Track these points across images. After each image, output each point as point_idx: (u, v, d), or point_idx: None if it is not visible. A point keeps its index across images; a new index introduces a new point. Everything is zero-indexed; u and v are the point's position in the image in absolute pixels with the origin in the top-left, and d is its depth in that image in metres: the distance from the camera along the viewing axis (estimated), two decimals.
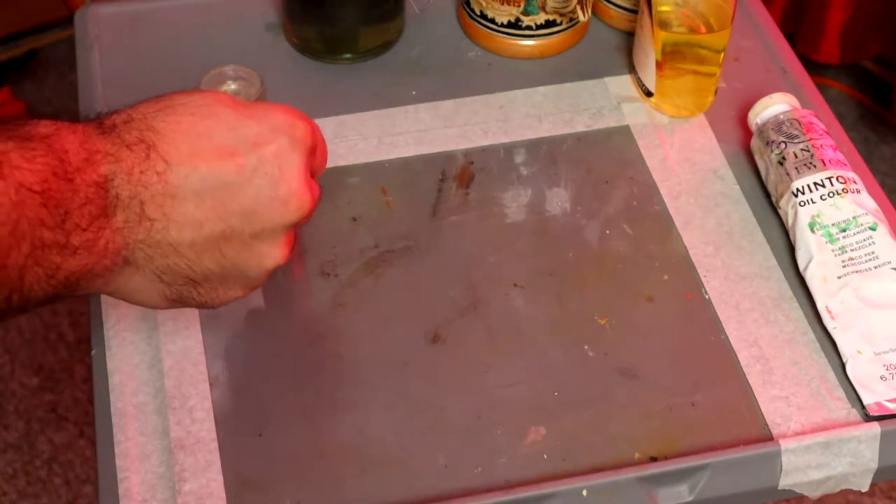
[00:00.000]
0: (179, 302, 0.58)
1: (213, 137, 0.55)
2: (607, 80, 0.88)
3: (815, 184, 0.74)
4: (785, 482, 0.66)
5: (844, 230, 0.72)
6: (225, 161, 0.55)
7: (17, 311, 0.51)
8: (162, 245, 0.54)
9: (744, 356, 0.71)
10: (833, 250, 0.72)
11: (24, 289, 0.50)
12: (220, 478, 0.65)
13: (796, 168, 0.75)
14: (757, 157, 0.80)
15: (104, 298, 0.73)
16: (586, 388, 0.70)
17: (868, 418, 0.67)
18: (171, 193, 0.53)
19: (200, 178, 0.54)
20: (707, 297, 0.74)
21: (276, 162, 0.56)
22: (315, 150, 0.60)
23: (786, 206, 0.75)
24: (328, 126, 0.84)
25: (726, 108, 0.86)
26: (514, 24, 0.88)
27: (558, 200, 0.80)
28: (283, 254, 0.59)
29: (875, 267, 0.71)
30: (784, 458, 0.65)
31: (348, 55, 0.89)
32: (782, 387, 0.69)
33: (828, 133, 0.78)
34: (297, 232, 0.62)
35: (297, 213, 0.57)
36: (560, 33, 0.89)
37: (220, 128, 0.55)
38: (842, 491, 0.67)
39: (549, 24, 0.88)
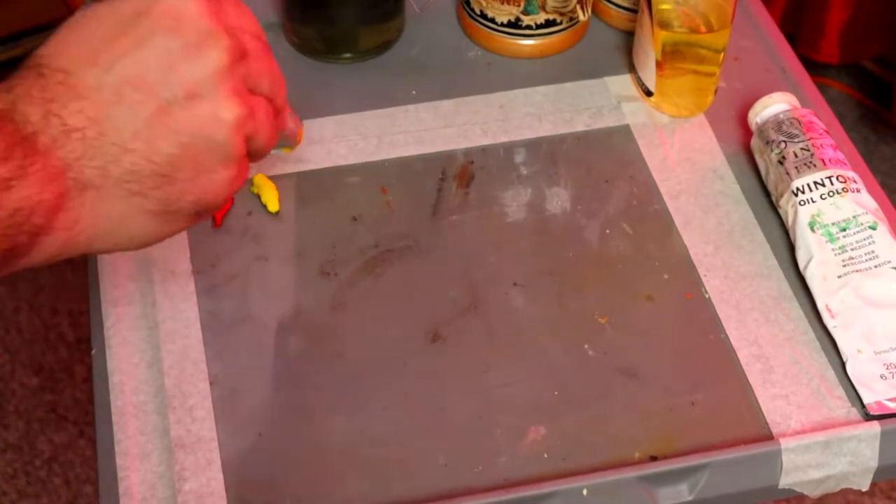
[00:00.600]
0: (171, 212, 0.53)
1: (97, 30, 0.52)
2: (607, 79, 0.88)
3: (815, 183, 0.74)
4: (785, 481, 0.66)
5: (844, 229, 0.72)
6: (118, 41, 0.51)
7: None
8: (105, 149, 0.50)
9: (744, 355, 0.71)
10: (833, 249, 0.72)
11: None
12: (220, 477, 0.65)
13: (796, 167, 0.75)
14: (757, 157, 0.80)
15: (104, 297, 0.73)
16: (586, 388, 0.70)
17: (868, 417, 0.67)
18: (83, 96, 0.50)
19: (104, 69, 0.51)
20: (707, 296, 0.74)
21: (169, 15, 0.52)
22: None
23: (786, 205, 0.75)
24: (328, 126, 0.84)
25: (726, 107, 0.86)
26: (514, 24, 0.88)
27: (558, 200, 0.80)
28: (235, 103, 0.53)
29: (875, 266, 0.71)
30: (784, 458, 0.65)
31: (348, 55, 0.89)
32: (782, 386, 0.69)
33: (828, 132, 0.78)
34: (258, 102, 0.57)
35: (217, 48, 0.53)
36: (560, 33, 0.89)
37: (99, 20, 0.52)
38: (842, 490, 0.67)
39: (549, 23, 0.88)
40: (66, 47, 0.51)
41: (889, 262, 0.71)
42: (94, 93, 0.50)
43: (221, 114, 0.52)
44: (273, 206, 0.78)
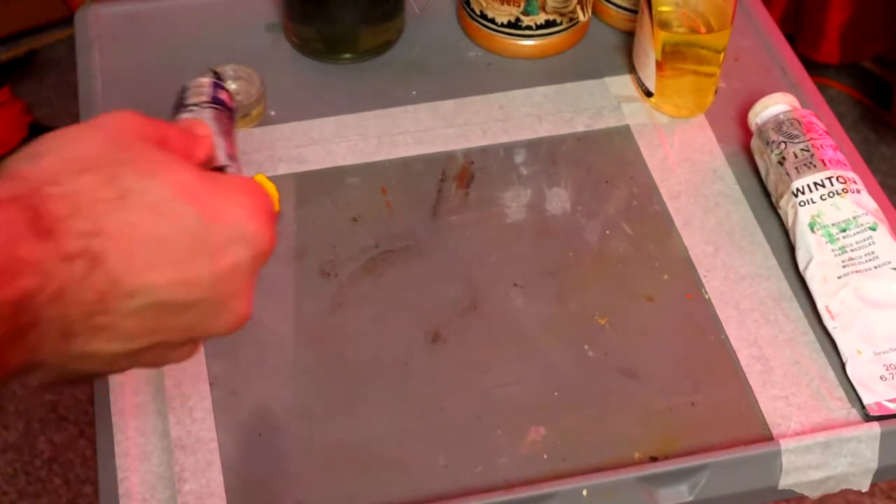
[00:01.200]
0: (97, 377, 0.53)
1: (172, 247, 0.47)
2: (607, 80, 0.88)
3: (815, 184, 0.74)
4: (785, 482, 0.66)
5: (844, 230, 0.72)
6: (179, 277, 0.47)
7: None
8: (78, 357, 0.46)
9: (744, 356, 0.71)
10: (833, 250, 0.72)
11: None
12: (220, 478, 0.65)
13: (796, 168, 0.75)
14: (757, 157, 0.80)
15: None
16: (586, 388, 0.70)
17: (868, 418, 0.67)
18: (107, 311, 0.45)
19: (148, 297, 0.46)
20: (707, 296, 0.74)
21: (230, 279, 0.49)
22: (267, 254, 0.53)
23: (786, 205, 0.75)
24: (328, 126, 0.84)
25: (726, 108, 0.86)
26: (514, 24, 0.88)
27: (558, 200, 0.80)
28: (196, 351, 0.53)
29: (875, 267, 0.71)
30: (784, 458, 0.65)
31: (348, 55, 0.89)
32: (782, 387, 0.69)
33: (828, 133, 0.78)
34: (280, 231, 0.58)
35: (233, 328, 0.51)
36: (560, 33, 0.89)
37: (180, 235, 0.47)
38: (842, 491, 0.67)
39: (549, 24, 0.88)
40: (135, 246, 0.46)
41: (889, 262, 0.71)
42: (120, 311, 0.46)
43: (181, 357, 0.52)
44: (273, 206, 0.78)
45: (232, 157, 0.59)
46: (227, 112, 0.61)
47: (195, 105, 0.60)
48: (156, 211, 0.46)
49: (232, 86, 0.84)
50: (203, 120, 0.58)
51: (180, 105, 0.61)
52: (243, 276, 0.50)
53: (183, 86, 0.62)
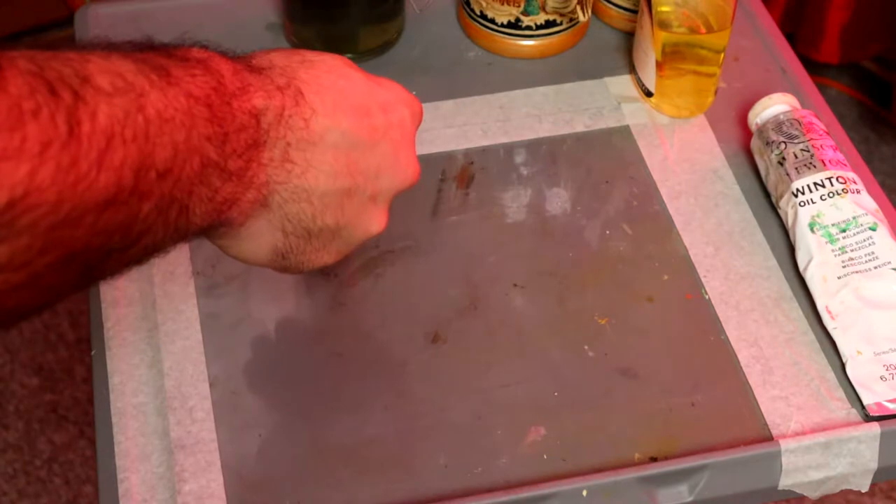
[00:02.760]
0: (283, 257, 0.59)
1: (351, 96, 0.57)
2: (607, 80, 0.88)
3: (815, 184, 0.74)
4: (785, 482, 0.66)
5: (844, 230, 0.72)
6: (361, 120, 0.57)
7: (173, 238, 0.50)
8: (298, 191, 0.56)
9: (744, 356, 0.71)
10: (833, 250, 0.72)
11: (190, 207, 0.50)
12: (220, 478, 0.65)
13: (796, 168, 0.75)
14: (757, 158, 0.80)
15: (104, 298, 0.73)
16: (586, 388, 0.70)
17: (868, 418, 0.67)
18: (313, 141, 0.55)
19: (341, 132, 0.56)
20: (707, 297, 0.74)
21: (399, 130, 0.59)
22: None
23: (786, 206, 0.75)
24: None
25: (726, 108, 0.86)
26: (514, 24, 0.88)
27: (558, 200, 0.80)
28: (385, 221, 0.62)
29: (875, 267, 0.71)
30: (784, 459, 0.65)
31: (348, 55, 0.88)
32: (782, 387, 0.69)
33: (828, 133, 0.78)
34: None
35: (409, 180, 0.61)
36: (560, 33, 0.89)
37: (356, 88, 0.58)
38: (842, 491, 0.67)
39: (549, 24, 0.88)
40: (323, 91, 0.56)
41: (889, 263, 0.71)
42: (322, 145, 0.56)
43: (374, 223, 0.61)
44: None
45: None
46: None
47: None
48: (334, 71, 0.57)
49: None
50: None
51: None
52: (408, 132, 0.60)
53: None
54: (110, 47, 0.48)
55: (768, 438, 0.67)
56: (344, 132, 0.57)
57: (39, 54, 0.42)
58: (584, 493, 0.64)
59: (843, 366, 0.70)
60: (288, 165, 0.55)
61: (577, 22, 0.89)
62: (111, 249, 0.46)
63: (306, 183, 0.56)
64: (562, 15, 0.88)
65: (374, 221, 0.61)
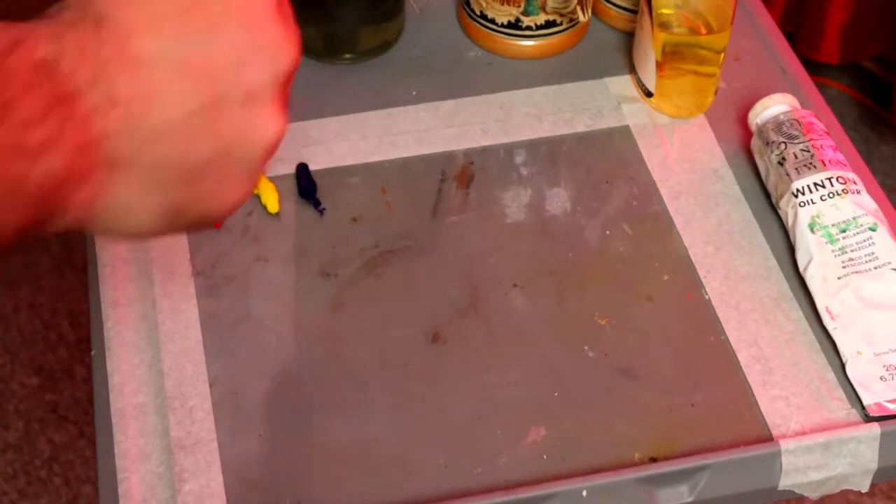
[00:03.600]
0: (177, 217, 0.48)
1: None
2: (607, 80, 0.88)
3: (815, 184, 0.74)
4: (785, 483, 0.66)
5: (844, 231, 0.72)
6: (189, 13, 0.45)
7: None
8: (147, 131, 0.45)
9: (744, 356, 0.71)
10: (833, 251, 0.72)
11: None
12: (220, 478, 0.65)
13: (796, 168, 0.75)
14: (757, 158, 0.80)
15: (104, 298, 0.73)
16: (586, 388, 0.70)
17: (868, 419, 0.67)
18: (140, 65, 0.44)
19: (169, 41, 0.45)
20: (707, 297, 0.74)
21: (243, 5, 0.47)
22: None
23: (786, 206, 0.75)
24: (328, 126, 0.84)
25: (726, 108, 0.86)
26: (514, 25, 0.88)
27: (558, 200, 0.80)
28: (282, 119, 0.49)
29: (875, 267, 0.71)
30: (784, 459, 0.65)
31: (348, 55, 0.89)
32: (782, 387, 0.69)
33: (828, 133, 0.78)
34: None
35: (284, 58, 0.48)
36: (560, 33, 0.89)
37: None
38: (842, 491, 0.67)
39: (549, 24, 0.88)
40: (128, 4, 0.44)
41: (889, 263, 0.71)
42: (152, 65, 0.44)
43: (268, 126, 0.49)
44: (273, 206, 0.78)
45: None
46: None
47: None
48: None
49: None
50: None
51: None
52: (257, 5, 0.47)
53: None
54: None
55: (768, 438, 0.67)
56: (173, 38, 0.45)
57: None
58: (584, 493, 0.64)
59: (843, 366, 0.70)
60: (120, 108, 0.44)
61: (577, 22, 0.89)
62: None
63: (153, 119, 0.44)
64: (562, 15, 0.88)
65: (267, 124, 0.48)
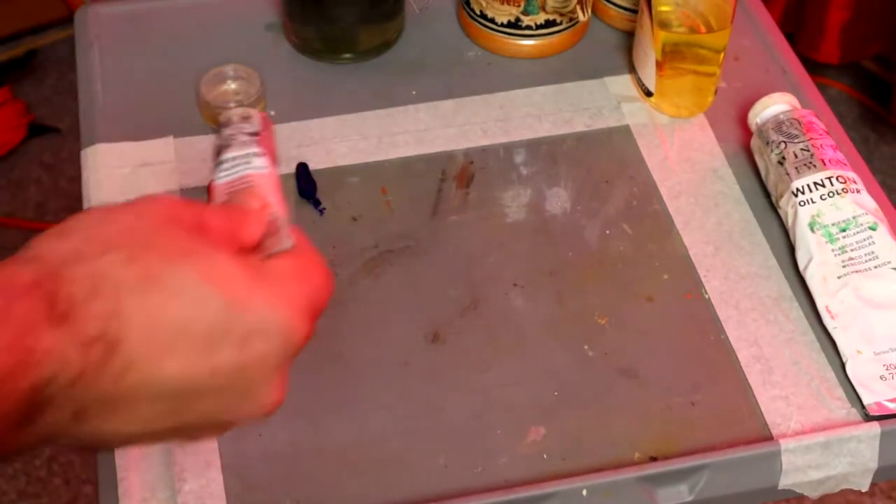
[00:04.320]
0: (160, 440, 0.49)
1: (193, 334, 0.44)
2: (607, 79, 0.88)
3: (815, 184, 0.74)
4: (785, 482, 0.66)
5: (844, 230, 0.72)
6: (200, 362, 0.45)
7: None
8: (88, 436, 0.44)
9: (744, 356, 0.71)
10: (833, 250, 0.72)
11: None
12: (220, 478, 0.65)
13: (796, 168, 0.75)
14: (757, 157, 0.80)
15: None
16: (586, 388, 0.70)
17: (868, 418, 0.67)
18: (123, 396, 0.43)
19: (165, 381, 0.44)
20: (707, 296, 0.74)
21: (256, 371, 0.46)
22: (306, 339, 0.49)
23: (786, 205, 0.75)
24: (328, 126, 0.84)
25: (726, 108, 0.86)
26: (514, 24, 0.88)
27: (558, 200, 0.80)
28: (225, 431, 0.49)
29: (875, 267, 0.71)
30: (784, 458, 0.65)
31: (348, 55, 0.89)
32: (782, 386, 0.69)
33: (828, 133, 0.78)
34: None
35: (262, 414, 0.48)
36: (560, 33, 0.89)
37: (203, 322, 0.44)
38: (842, 491, 0.67)
39: (548, 23, 0.88)
40: (155, 333, 0.44)
41: (889, 262, 0.71)
42: (136, 395, 0.44)
43: (205, 434, 0.49)
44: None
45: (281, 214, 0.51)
46: (271, 158, 0.53)
47: (241, 158, 0.52)
48: (178, 296, 0.44)
49: (232, 86, 0.84)
50: (257, 186, 0.51)
51: (221, 151, 0.53)
52: (272, 366, 0.47)
53: (221, 130, 0.54)
54: None
55: (768, 438, 0.67)
56: (170, 380, 0.44)
57: None
58: (584, 492, 0.64)
59: (843, 365, 0.70)
60: (78, 424, 0.43)
61: (577, 22, 0.89)
62: None
63: (103, 431, 0.44)
64: (562, 15, 0.88)
65: (210, 436, 0.49)
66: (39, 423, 0.42)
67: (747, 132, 0.82)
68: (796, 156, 0.76)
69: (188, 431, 0.47)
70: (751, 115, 0.81)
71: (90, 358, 0.42)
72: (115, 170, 0.80)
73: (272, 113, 0.84)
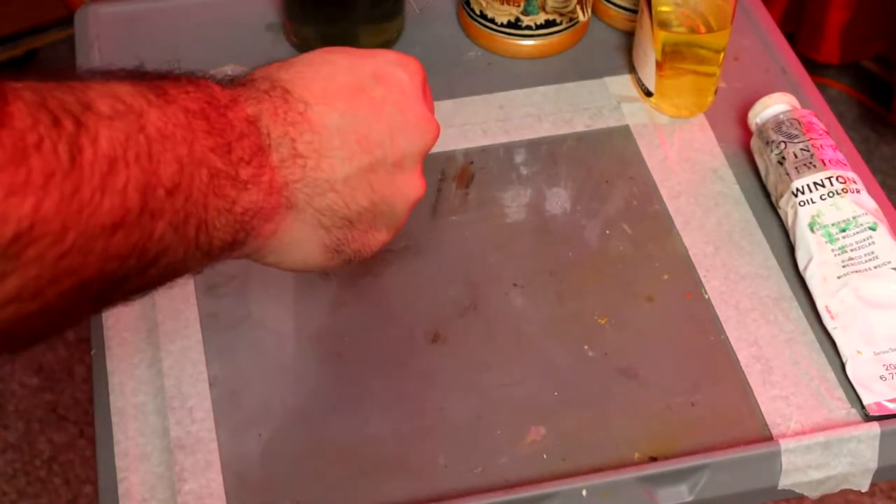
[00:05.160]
0: (337, 251, 0.59)
1: (338, 78, 0.57)
2: (607, 79, 0.88)
3: (815, 184, 0.74)
4: (785, 482, 0.66)
5: (844, 230, 0.72)
6: (356, 96, 0.57)
7: (197, 256, 0.50)
8: (318, 183, 0.56)
9: (744, 356, 0.71)
10: (833, 250, 0.72)
11: (208, 221, 0.50)
12: (220, 478, 0.65)
13: (796, 168, 0.75)
14: (757, 157, 0.80)
15: None
16: (586, 388, 0.70)
17: (868, 418, 0.67)
18: (316, 130, 0.55)
19: (339, 114, 0.56)
20: (707, 297, 0.74)
21: (399, 91, 0.59)
22: (425, 85, 0.62)
23: (786, 205, 0.75)
24: None
25: (726, 108, 0.86)
26: (514, 24, 0.88)
27: (558, 200, 0.80)
28: (422, 183, 0.61)
29: (875, 267, 0.71)
30: (784, 458, 0.65)
31: None
32: (782, 387, 0.69)
33: (828, 133, 0.78)
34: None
35: (427, 135, 0.60)
36: (560, 33, 0.89)
37: (340, 70, 0.58)
38: (842, 491, 0.67)
39: (548, 23, 0.88)
40: (308, 82, 0.56)
41: (889, 262, 0.71)
42: (326, 131, 0.56)
43: (410, 189, 0.60)
44: None
45: None
46: None
47: None
48: (314, 62, 0.58)
49: None
50: None
51: None
52: (409, 91, 0.59)
53: None
54: (108, 75, 0.50)
55: (768, 438, 0.67)
56: (342, 112, 0.56)
57: (44, 85, 0.43)
58: (584, 492, 0.64)
59: (843, 365, 0.70)
60: (300, 161, 0.55)
61: (577, 22, 0.89)
62: (127, 273, 0.46)
63: (323, 173, 0.56)
64: (562, 15, 0.88)
65: (410, 186, 0.60)
66: (272, 161, 0.53)
67: (747, 132, 0.82)
68: (796, 156, 0.76)
69: (389, 177, 0.59)
70: (751, 115, 0.81)
71: (275, 97, 0.55)
72: None
73: None
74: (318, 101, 0.56)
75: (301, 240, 0.57)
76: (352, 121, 0.57)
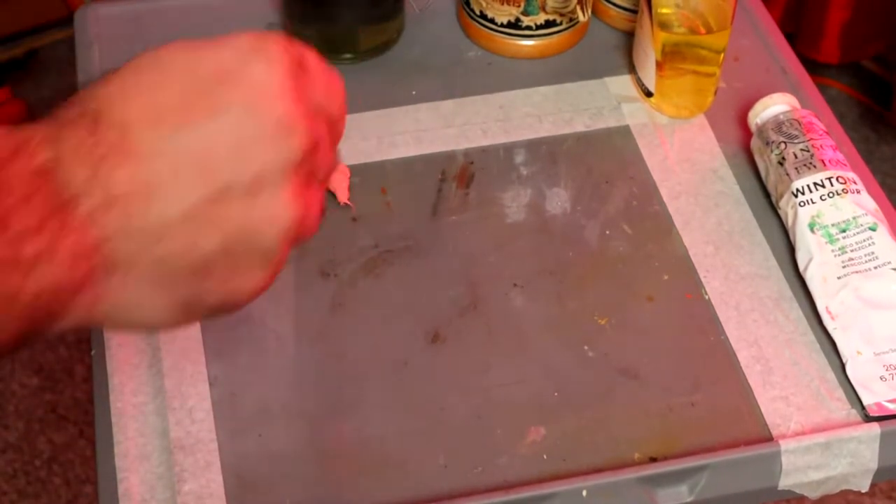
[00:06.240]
0: (191, 307, 0.47)
1: (167, 86, 0.44)
2: (607, 80, 0.88)
3: (815, 184, 0.74)
4: (785, 482, 0.66)
5: (844, 230, 0.72)
6: (191, 106, 0.44)
7: None
8: (147, 229, 0.43)
9: (744, 356, 0.71)
10: (833, 250, 0.72)
11: None
12: (220, 478, 0.65)
13: (796, 168, 0.75)
14: (757, 157, 0.80)
15: None
16: (586, 388, 0.70)
17: (868, 419, 0.67)
18: (136, 161, 0.43)
19: (168, 134, 0.43)
20: (707, 297, 0.74)
21: (250, 89, 0.45)
22: (303, 67, 0.47)
23: (786, 206, 0.75)
24: None
25: (726, 108, 0.86)
26: (514, 24, 0.88)
27: (558, 200, 0.80)
28: (297, 206, 0.47)
29: (875, 267, 0.71)
30: (784, 459, 0.65)
31: (348, 55, 0.89)
32: (782, 387, 0.69)
33: (828, 133, 0.78)
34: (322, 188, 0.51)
35: (294, 141, 0.46)
36: (560, 33, 0.89)
37: (172, 74, 0.45)
38: (842, 491, 0.67)
39: (548, 24, 0.88)
40: (128, 98, 0.44)
41: (889, 263, 0.71)
42: (150, 160, 0.43)
43: (279, 213, 0.46)
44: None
45: None
46: None
47: None
48: (143, 66, 0.45)
49: None
50: None
51: None
52: (266, 85, 0.45)
53: None
54: None
55: (768, 438, 0.67)
56: (173, 130, 0.44)
57: None
58: (584, 493, 0.64)
59: (843, 366, 0.70)
60: (118, 206, 0.42)
61: (577, 22, 0.89)
62: None
63: (152, 216, 0.43)
64: (562, 15, 0.88)
65: (279, 209, 0.46)
66: (79, 215, 0.41)
67: (747, 132, 0.82)
68: (796, 156, 0.76)
69: (236, 206, 0.45)
70: (751, 115, 0.81)
71: (79, 128, 0.43)
72: None
73: None
74: (138, 121, 0.43)
75: (137, 303, 0.45)
76: (185, 140, 0.43)
